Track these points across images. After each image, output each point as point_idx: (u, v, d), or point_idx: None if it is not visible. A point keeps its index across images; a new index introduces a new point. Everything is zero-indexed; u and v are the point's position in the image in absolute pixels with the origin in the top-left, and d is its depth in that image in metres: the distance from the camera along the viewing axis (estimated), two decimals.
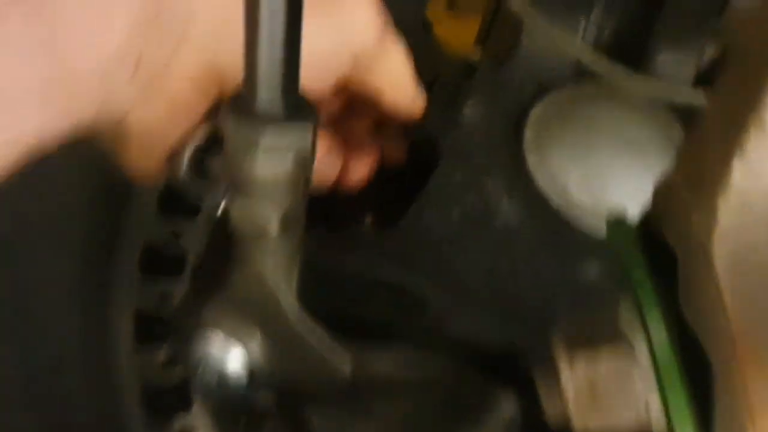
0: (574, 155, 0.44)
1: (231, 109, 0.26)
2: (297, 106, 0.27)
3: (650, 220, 0.25)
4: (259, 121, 0.26)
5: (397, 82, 0.38)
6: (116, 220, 0.55)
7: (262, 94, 0.26)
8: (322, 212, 0.42)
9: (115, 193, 0.51)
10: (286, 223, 0.29)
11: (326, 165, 0.38)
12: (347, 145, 0.41)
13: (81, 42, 0.27)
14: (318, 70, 0.33)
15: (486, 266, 0.41)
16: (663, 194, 0.24)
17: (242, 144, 0.27)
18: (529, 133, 0.44)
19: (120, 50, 0.27)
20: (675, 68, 0.47)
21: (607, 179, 0.43)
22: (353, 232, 0.42)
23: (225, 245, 0.31)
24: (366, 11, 0.34)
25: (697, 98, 0.39)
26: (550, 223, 0.43)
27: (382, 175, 0.43)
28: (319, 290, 0.38)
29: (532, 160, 0.43)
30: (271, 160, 0.27)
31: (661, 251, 0.24)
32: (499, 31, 0.51)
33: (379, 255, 0.40)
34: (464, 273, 0.40)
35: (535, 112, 0.45)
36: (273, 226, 0.29)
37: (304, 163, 0.28)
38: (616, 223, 0.26)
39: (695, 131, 0.22)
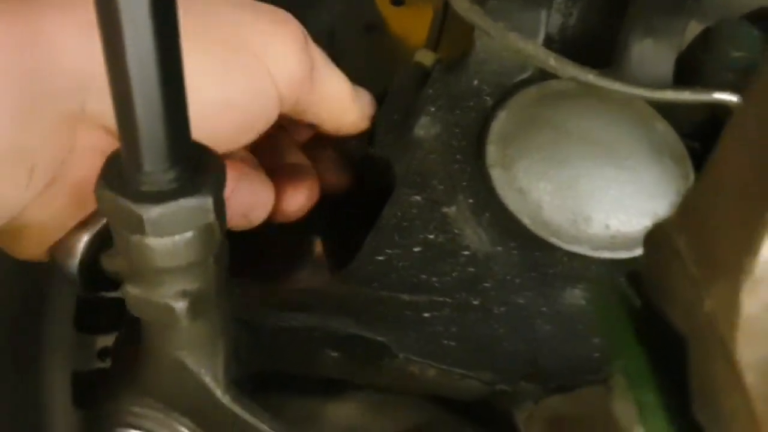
0: (544, 167, 0.38)
1: (106, 183, 0.21)
2: (192, 167, 0.21)
3: (643, 284, 0.20)
4: (143, 201, 0.20)
5: (336, 109, 0.34)
6: (44, 276, 0.50)
7: (145, 165, 0.20)
8: (259, 255, 0.37)
9: None
10: (197, 309, 0.23)
11: (253, 198, 0.33)
12: (278, 168, 0.36)
13: None
14: (242, 125, 0.29)
15: (455, 303, 0.35)
16: (659, 254, 0.19)
17: (125, 228, 0.21)
18: (491, 148, 0.39)
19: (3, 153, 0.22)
20: (653, 58, 0.42)
21: (584, 191, 0.38)
22: (298, 280, 0.37)
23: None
24: (284, 45, 0.29)
25: (680, 97, 0.33)
26: (524, 247, 0.37)
27: (327, 207, 0.38)
28: (263, 353, 0.33)
29: (497, 178, 0.38)
30: (164, 246, 0.21)
31: (661, 325, 0.19)
32: (452, 31, 0.46)
33: (329, 303, 0.34)
34: (430, 313, 0.35)
35: (497, 122, 0.40)
36: (181, 315, 0.23)
37: (210, 238, 0.22)
38: (604, 295, 0.20)
39: (704, 178, 0.17)
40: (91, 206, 0.27)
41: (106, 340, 0.49)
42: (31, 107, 0.23)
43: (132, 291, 0.23)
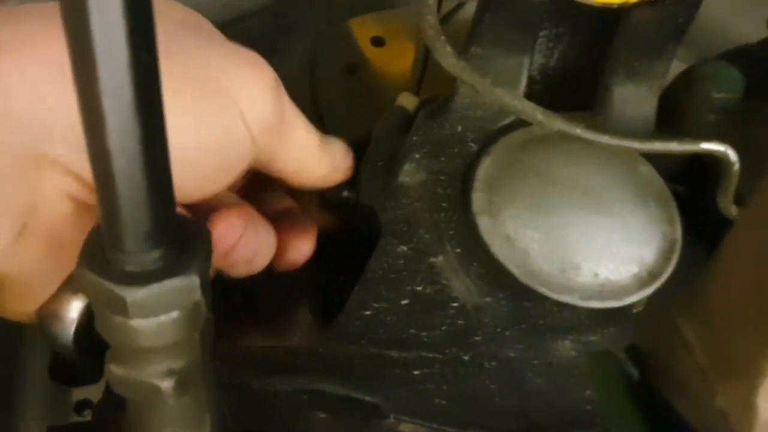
0: (532, 215, 0.38)
1: (86, 263, 0.20)
2: (177, 244, 0.21)
3: (644, 363, 0.20)
4: (126, 282, 0.20)
5: (302, 162, 0.34)
6: (18, 326, 0.48)
7: (128, 245, 0.19)
8: (245, 309, 0.36)
9: None
10: (183, 387, 0.23)
11: (257, 244, 0.32)
12: (273, 214, 0.35)
13: None
14: (216, 169, 0.28)
15: (445, 359, 0.35)
16: (663, 337, 0.18)
17: (107, 309, 0.20)
18: (477, 195, 0.38)
19: None
20: (635, 101, 0.42)
21: (572, 239, 0.37)
22: (282, 334, 0.36)
23: None
24: (258, 89, 0.28)
25: (668, 147, 0.33)
26: (513, 297, 0.37)
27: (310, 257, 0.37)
28: (248, 416, 0.32)
29: (484, 226, 0.37)
30: (148, 327, 0.20)
31: (663, 407, 0.18)
32: (434, 73, 0.45)
33: (317, 363, 0.33)
34: (420, 371, 0.34)
35: (482, 169, 0.39)
36: (166, 392, 0.22)
37: (196, 316, 0.21)
38: (603, 367, 0.20)
39: (714, 268, 0.16)
40: (69, 257, 0.26)
41: (84, 392, 0.48)
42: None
43: (116, 370, 0.22)
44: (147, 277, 0.20)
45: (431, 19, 0.30)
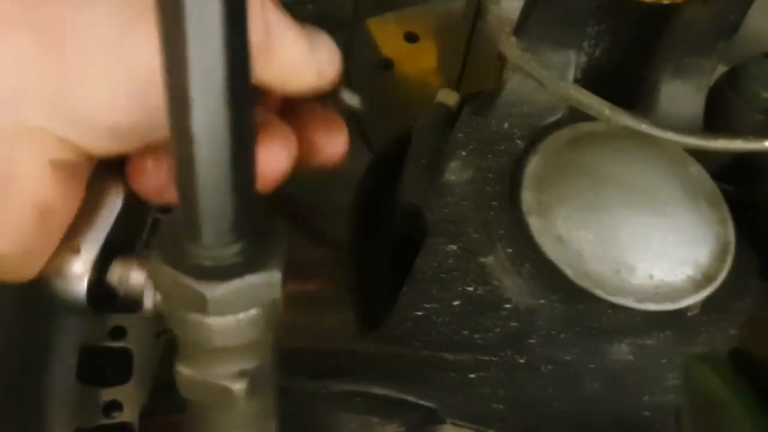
0: (584, 215, 0.37)
1: (163, 256, 0.19)
2: (257, 238, 0.19)
3: (756, 372, 0.18)
4: (206, 278, 0.18)
5: (287, 75, 0.31)
6: (45, 324, 0.47)
7: (208, 238, 0.18)
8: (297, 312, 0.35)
9: (37, 294, 0.42)
10: (254, 389, 0.21)
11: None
12: (300, 120, 0.33)
13: None
14: None
15: (501, 362, 0.34)
16: None
17: (182, 305, 0.19)
18: (526, 194, 0.37)
19: None
20: (682, 99, 0.41)
21: (626, 240, 0.36)
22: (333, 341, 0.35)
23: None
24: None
25: (732, 145, 0.32)
26: (567, 299, 0.36)
27: (354, 258, 0.36)
28: (301, 419, 0.31)
29: (535, 226, 0.36)
30: (226, 325, 0.19)
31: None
32: (474, 70, 0.44)
33: (371, 366, 0.32)
34: (476, 374, 0.33)
35: (530, 167, 0.38)
36: (239, 396, 0.21)
37: (274, 313, 0.20)
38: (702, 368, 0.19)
39: None
40: (58, 219, 0.25)
41: (112, 394, 0.47)
42: None
43: (185, 371, 0.21)
44: (227, 272, 0.18)
45: (495, 10, 0.29)
